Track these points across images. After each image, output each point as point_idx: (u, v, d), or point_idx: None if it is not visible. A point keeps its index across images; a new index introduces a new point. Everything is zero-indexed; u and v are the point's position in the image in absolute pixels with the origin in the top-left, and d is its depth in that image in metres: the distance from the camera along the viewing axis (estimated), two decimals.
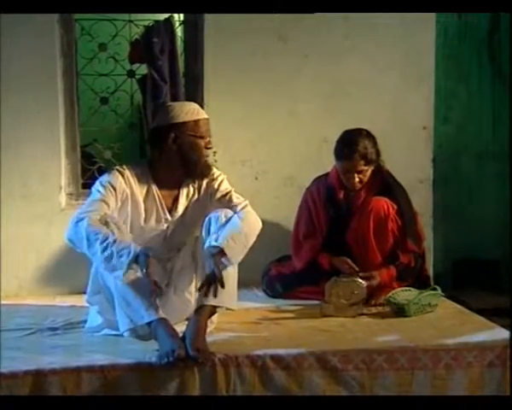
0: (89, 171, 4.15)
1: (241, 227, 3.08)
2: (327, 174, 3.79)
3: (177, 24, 4.19)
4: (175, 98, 4.01)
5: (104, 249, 2.89)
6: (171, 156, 3.18)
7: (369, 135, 3.62)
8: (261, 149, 4.12)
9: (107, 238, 2.90)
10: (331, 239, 3.70)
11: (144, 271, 2.86)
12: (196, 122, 3.17)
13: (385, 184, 3.69)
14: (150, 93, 4.04)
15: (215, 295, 2.94)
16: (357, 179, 3.60)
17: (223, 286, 2.93)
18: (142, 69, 4.20)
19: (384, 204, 3.59)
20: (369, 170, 3.61)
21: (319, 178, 3.82)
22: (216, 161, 3.94)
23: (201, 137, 3.17)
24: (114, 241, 2.90)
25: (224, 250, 2.97)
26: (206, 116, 3.23)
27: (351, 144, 3.56)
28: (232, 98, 4.06)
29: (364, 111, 4.10)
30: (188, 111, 3.18)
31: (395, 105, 4.21)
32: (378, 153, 3.64)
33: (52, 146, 3.94)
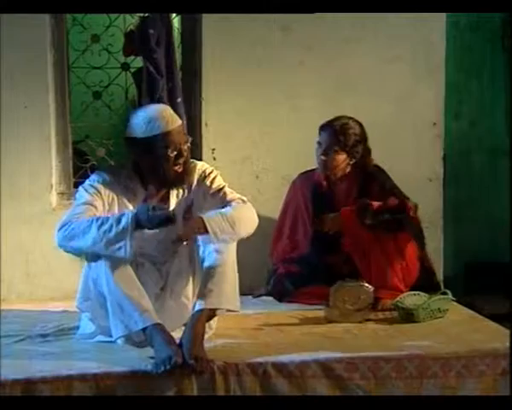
0: (81, 169, 4.15)
1: (229, 211, 3.09)
2: (313, 170, 3.84)
3: (174, 14, 4.20)
4: (172, 92, 4.00)
5: (100, 225, 2.90)
6: (143, 167, 3.18)
7: (356, 124, 3.70)
8: (262, 145, 4.12)
9: (100, 217, 2.95)
10: (317, 236, 3.73)
11: (151, 213, 2.85)
12: (164, 136, 3.08)
13: (368, 176, 3.73)
14: (146, 87, 4.04)
15: (205, 295, 2.97)
16: (322, 157, 3.67)
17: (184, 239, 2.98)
18: (138, 62, 4.20)
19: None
20: (339, 155, 3.67)
21: (306, 172, 3.88)
22: (215, 158, 3.95)
23: (167, 149, 3.09)
24: (107, 216, 2.94)
25: (204, 221, 2.97)
26: (172, 127, 3.10)
27: (330, 121, 3.70)
28: (231, 92, 4.06)
29: (371, 106, 4.10)
30: (154, 123, 3.09)
31: (404, 100, 4.21)
32: (360, 145, 3.69)
33: (42, 143, 3.94)
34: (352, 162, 3.73)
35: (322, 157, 3.69)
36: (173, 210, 3.08)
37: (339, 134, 3.66)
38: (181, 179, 3.19)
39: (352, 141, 3.68)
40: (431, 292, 3.53)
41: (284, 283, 3.77)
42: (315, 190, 3.83)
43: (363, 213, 3.59)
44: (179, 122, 3.19)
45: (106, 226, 2.90)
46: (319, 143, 3.72)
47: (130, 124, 3.17)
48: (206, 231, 3.00)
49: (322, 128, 3.73)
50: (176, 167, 3.13)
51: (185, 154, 3.15)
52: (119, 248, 2.90)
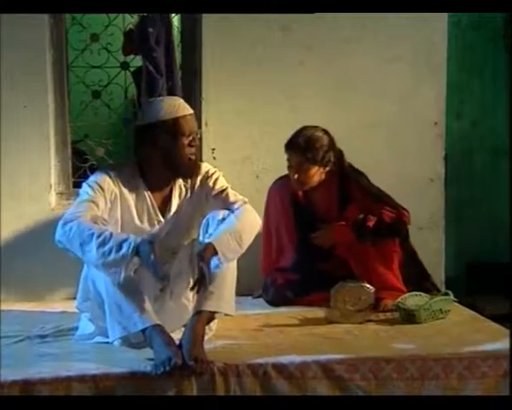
0: (80, 169, 4.15)
1: (235, 225, 3.08)
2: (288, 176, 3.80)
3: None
4: (171, 92, 4.01)
5: (101, 245, 2.87)
6: (153, 157, 3.18)
7: (321, 132, 3.67)
8: (262, 145, 4.12)
9: (102, 233, 2.90)
10: (309, 243, 3.73)
11: (151, 259, 2.82)
12: (176, 120, 3.14)
13: (344, 178, 3.72)
14: (145, 86, 4.04)
15: (205, 298, 2.95)
16: (295, 176, 3.65)
17: (205, 286, 2.93)
18: (137, 61, 4.20)
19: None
20: (311, 170, 3.64)
21: (281, 178, 3.84)
22: (214, 158, 3.95)
23: (183, 136, 3.15)
24: (111, 235, 2.89)
25: (215, 247, 2.96)
26: (188, 112, 3.19)
27: (293, 138, 3.66)
28: (231, 92, 4.06)
29: (372, 106, 4.10)
30: (167, 108, 3.15)
31: (405, 99, 4.21)
32: (329, 153, 3.65)
33: (41, 143, 3.94)
34: (326, 170, 3.70)
35: (295, 176, 3.66)
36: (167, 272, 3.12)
37: (305, 151, 3.63)
38: (193, 168, 3.22)
39: (321, 153, 3.64)
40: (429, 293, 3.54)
41: (285, 293, 3.74)
42: (292, 198, 3.80)
43: (360, 232, 3.61)
44: (191, 111, 3.23)
45: (105, 248, 2.86)
46: (288, 160, 3.69)
47: (143, 112, 3.24)
48: (216, 254, 2.98)
49: (288, 147, 3.68)
50: (189, 155, 3.17)
51: (197, 143, 3.21)
52: (114, 273, 2.91)
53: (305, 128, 3.69)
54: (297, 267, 3.78)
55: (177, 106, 3.18)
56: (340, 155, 3.73)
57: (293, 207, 3.80)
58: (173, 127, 3.14)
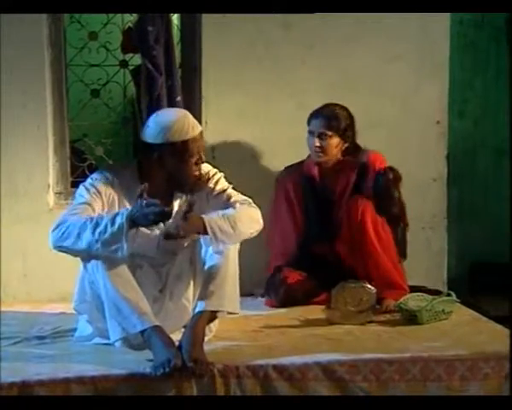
0: (78, 168, 4.15)
1: (231, 212, 3.09)
2: (300, 163, 3.88)
3: None
4: (171, 90, 4.00)
5: (95, 226, 2.88)
6: (158, 175, 3.16)
7: (344, 109, 3.80)
8: (263, 145, 4.12)
9: (94, 217, 2.92)
10: (315, 234, 3.79)
11: (145, 208, 2.82)
12: (185, 143, 3.09)
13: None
14: (144, 85, 4.03)
15: (206, 297, 2.97)
16: (317, 143, 3.71)
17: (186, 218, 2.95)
18: (136, 59, 4.20)
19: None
20: (333, 139, 3.73)
21: (291, 166, 3.92)
22: (214, 157, 3.95)
23: (190, 157, 3.12)
24: (101, 216, 2.92)
25: (204, 222, 2.98)
26: (197, 132, 3.13)
27: (319, 109, 3.79)
28: (232, 91, 4.06)
29: (373, 104, 4.11)
30: (176, 129, 3.08)
31: (407, 98, 4.21)
32: (350, 129, 3.78)
33: (39, 142, 3.95)
34: (344, 147, 3.78)
35: (317, 143, 3.73)
36: (169, 206, 3.05)
37: (330, 119, 3.74)
38: (197, 187, 3.19)
39: (344, 125, 3.76)
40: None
41: (295, 294, 3.72)
42: (306, 182, 3.84)
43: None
44: (200, 128, 3.19)
45: (101, 227, 2.87)
46: (311, 131, 3.77)
47: (150, 129, 3.14)
48: (205, 232, 3.00)
49: (313, 116, 3.79)
50: (195, 172, 3.15)
51: (201, 162, 3.17)
52: (116, 250, 2.89)
53: (330, 104, 3.81)
54: (305, 262, 3.79)
55: (187, 127, 3.10)
56: (355, 137, 3.84)
57: (307, 193, 3.84)
58: (182, 150, 3.09)
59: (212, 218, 3.03)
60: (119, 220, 2.87)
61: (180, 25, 4.18)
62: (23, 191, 3.93)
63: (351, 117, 3.80)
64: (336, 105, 3.80)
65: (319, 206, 3.82)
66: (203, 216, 3.02)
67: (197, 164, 3.15)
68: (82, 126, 4.28)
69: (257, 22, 4.02)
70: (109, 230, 2.87)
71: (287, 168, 3.93)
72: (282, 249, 3.86)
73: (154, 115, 3.21)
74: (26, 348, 3.09)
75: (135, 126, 4.32)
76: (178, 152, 3.09)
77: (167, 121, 3.12)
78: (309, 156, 3.86)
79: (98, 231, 2.88)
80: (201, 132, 3.18)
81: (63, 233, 2.95)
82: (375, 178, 3.72)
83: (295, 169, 3.89)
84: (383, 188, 3.70)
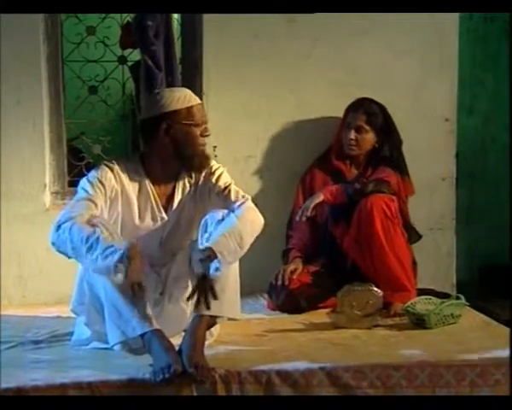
0: (76, 167, 4.15)
1: (235, 224, 3.07)
2: (324, 157, 3.94)
3: None
4: (171, 87, 3.99)
5: (89, 250, 2.87)
6: (164, 149, 3.20)
7: (379, 104, 3.90)
8: (266, 143, 4.12)
9: (90, 237, 2.88)
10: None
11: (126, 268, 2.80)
12: (189, 109, 3.18)
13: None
14: (144, 81, 4.03)
15: (208, 307, 2.94)
16: (353, 136, 3.80)
17: (215, 297, 2.93)
18: (135, 55, 4.20)
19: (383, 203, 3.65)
20: (369, 134, 3.83)
21: (314, 164, 3.97)
22: (216, 156, 3.94)
23: (196, 125, 3.18)
24: (98, 240, 2.87)
25: (214, 250, 2.94)
26: (199, 101, 3.26)
27: (358, 101, 3.91)
28: (234, 87, 4.06)
29: (380, 101, 4.07)
30: (179, 98, 3.19)
31: (415, 94, 4.20)
32: (386, 125, 3.88)
33: (35, 140, 3.94)
34: (376, 142, 3.87)
35: (353, 136, 3.81)
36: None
37: (370, 114, 3.85)
38: (206, 160, 3.25)
39: (381, 120, 3.87)
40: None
41: (299, 301, 3.70)
42: (337, 177, 3.88)
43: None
44: (200, 101, 3.29)
45: (94, 256, 2.86)
46: (348, 123, 3.84)
47: (150, 104, 3.27)
48: (216, 257, 2.97)
49: (351, 108, 3.89)
50: (202, 145, 3.21)
51: (207, 134, 3.23)
52: (109, 275, 2.88)
53: (368, 98, 3.92)
54: (315, 270, 3.80)
55: (189, 95, 3.23)
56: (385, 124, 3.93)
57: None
58: (187, 116, 3.17)
59: (220, 244, 2.97)
60: (109, 259, 2.83)
61: (180, 19, 4.18)
62: (18, 191, 3.92)
63: (385, 114, 3.91)
64: (376, 104, 3.90)
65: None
66: (212, 246, 2.95)
67: (202, 136, 3.20)
68: (79, 124, 4.28)
69: (260, 16, 4.00)
70: (100, 262, 2.85)
71: (315, 161, 3.98)
72: (303, 238, 3.90)
73: (153, 94, 3.36)
74: (21, 353, 3.09)
75: (134, 124, 4.33)
76: (184, 118, 3.16)
77: (169, 91, 3.28)
78: (329, 149, 3.95)
79: (91, 258, 2.87)
80: (202, 104, 3.29)
81: (61, 239, 2.96)
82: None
83: (320, 165, 3.95)
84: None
